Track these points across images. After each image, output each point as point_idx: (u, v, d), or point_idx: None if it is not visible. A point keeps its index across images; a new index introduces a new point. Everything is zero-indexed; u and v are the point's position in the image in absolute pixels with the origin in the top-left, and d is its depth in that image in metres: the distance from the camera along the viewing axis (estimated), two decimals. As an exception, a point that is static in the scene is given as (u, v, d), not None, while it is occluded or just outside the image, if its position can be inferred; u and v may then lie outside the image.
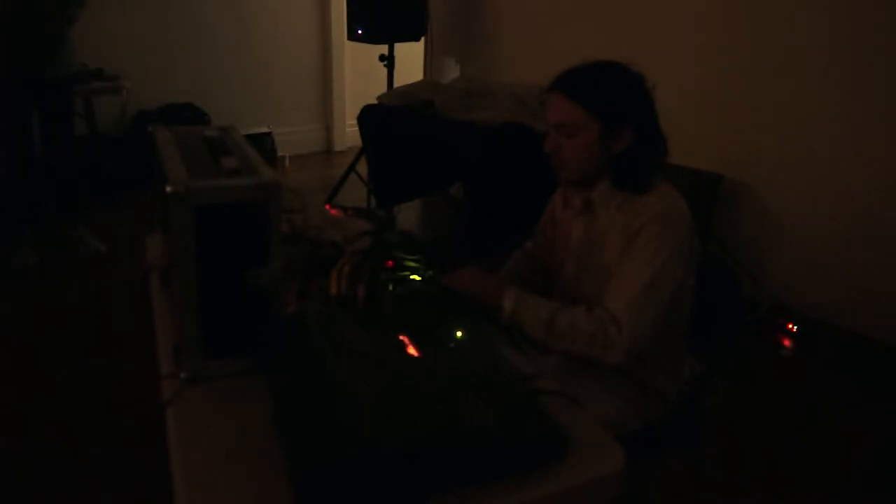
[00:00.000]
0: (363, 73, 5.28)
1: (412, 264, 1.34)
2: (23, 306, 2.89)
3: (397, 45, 4.10)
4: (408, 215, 4.13)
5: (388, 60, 4.10)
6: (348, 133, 5.50)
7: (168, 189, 1.01)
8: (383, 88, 4.04)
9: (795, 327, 2.81)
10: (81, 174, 3.42)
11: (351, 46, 4.90)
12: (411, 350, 1.12)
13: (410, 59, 4.75)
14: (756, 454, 2.15)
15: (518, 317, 1.35)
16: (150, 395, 1.22)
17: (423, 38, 4.33)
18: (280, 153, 5.09)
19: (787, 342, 2.79)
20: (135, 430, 1.97)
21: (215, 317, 1.11)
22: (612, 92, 1.34)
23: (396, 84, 4.05)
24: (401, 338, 1.14)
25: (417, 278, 1.32)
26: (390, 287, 1.28)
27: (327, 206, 1.91)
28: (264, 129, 4.97)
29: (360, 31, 4.00)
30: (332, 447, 0.88)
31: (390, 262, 1.33)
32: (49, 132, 3.12)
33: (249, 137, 1.50)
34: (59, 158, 3.20)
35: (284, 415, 0.97)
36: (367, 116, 3.61)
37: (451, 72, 4.60)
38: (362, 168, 3.90)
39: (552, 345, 1.35)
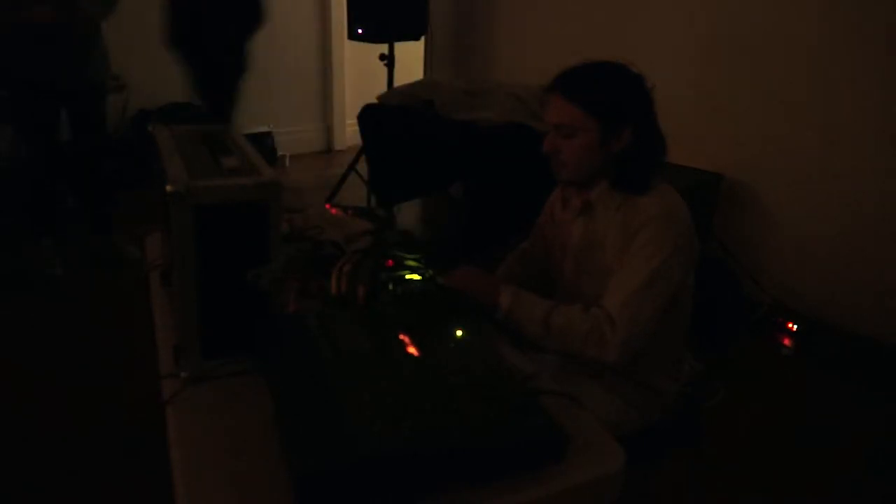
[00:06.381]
0: (363, 73, 5.27)
1: (412, 264, 1.34)
2: (23, 306, 2.90)
3: (397, 45, 4.10)
4: (408, 215, 4.13)
5: (388, 60, 4.10)
6: (348, 132, 5.50)
7: (168, 189, 1.01)
8: (383, 88, 4.04)
9: (795, 327, 2.81)
10: (109, 180, 3.36)
11: (351, 46, 4.90)
12: (411, 350, 1.12)
13: (410, 58, 4.75)
14: (756, 454, 2.15)
15: (514, 315, 1.35)
16: (150, 395, 1.22)
17: (423, 38, 4.32)
18: (280, 153, 5.09)
19: (787, 342, 2.80)
20: (134, 429, 1.98)
21: (215, 317, 1.11)
22: (611, 93, 1.34)
23: (396, 84, 4.05)
24: (401, 338, 1.14)
25: (417, 278, 1.32)
26: (390, 287, 1.28)
27: (327, 206, 1.91)
28: (264, 129, 4.97)
29: (360, 31, 4.00)
30: (332, 447, 0.88)
31: (390, 262, 1.33)
32: (76, 137, 3.12)
33: (249, 137, 1.51)
34: (84, 162, 3.20)
35: (284, 414, 0.97)
36: (368, 116, 3.61)
37: (451, 72, 4.60)
38: (362, 167, 3.90)
39: (548, 343, 1.35)
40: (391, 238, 1.52)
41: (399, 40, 4.07)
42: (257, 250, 1.10)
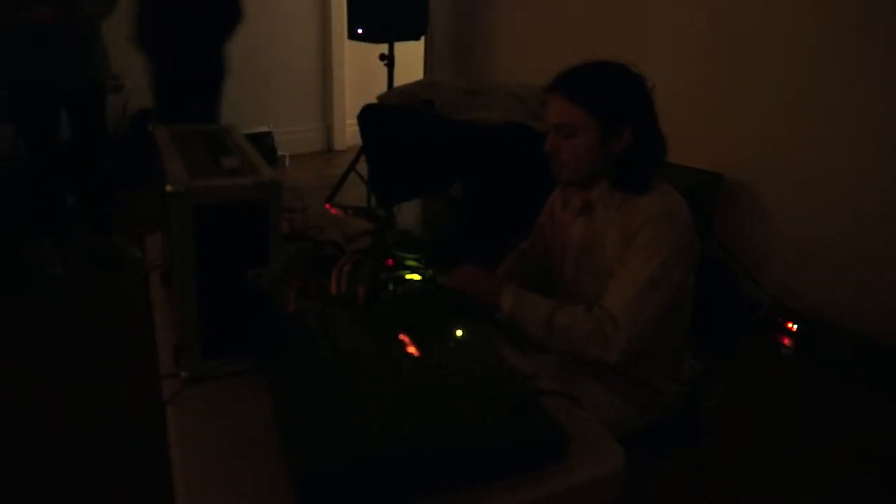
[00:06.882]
0: (363, 73, 5.27)
1: (412, 263, 1.34)
2: (23, 306, 2.90)
3: (397, 45, 4.10)
4: (408, 215, 4.13)
5: (389, 60, 4.10)
6: (348, 132, 5.50)
7: (168, 189, 1.01)
8: (383, 88, 4.04)
9: (795, 327, 2.81)
10: (109, 180, 3.33)
11: (351, 46, 4.90)
12: (411, 350, 1.12)
13: (410, 58, 4.75)
14: (756, 454, 2.15)
15: (516, 315, 1.35)
16: (150, 395, 1.22)
17: (423, 38, 4.32)
18: (280, 152, 5.09)
19: (787, 342, 2.79)
20: (134, 429, 1.98)
21: (215, 316, 1.11)
22: (611, 93, 1.34)
23: (396, 83, 4.05)
24: (401, 338, 1.14)
25: (417, 278, 1.32)
26: (390, 287, 1.28)
27: (327, 206, 1.91)
28: (264, 129, 4.97)
29: (360, 31, 4.00)
30: (333, 447, 0.88)
31: (390, 262, 1.33)
32: (76, 137, 3.12)
33: (249, 137, 1.50)
34: (84, 162, 3.19)
35: (284, 415, 0.97)
36: (368, 116, 3.61)
37: (451, 72, 4.60)
38: (362, 167, 3.90)
39: (549, 343, 1.35)
40: (391, 238, 1.52)
41: (399, 40, 4.07)
42: (257, 250, 1.10)
